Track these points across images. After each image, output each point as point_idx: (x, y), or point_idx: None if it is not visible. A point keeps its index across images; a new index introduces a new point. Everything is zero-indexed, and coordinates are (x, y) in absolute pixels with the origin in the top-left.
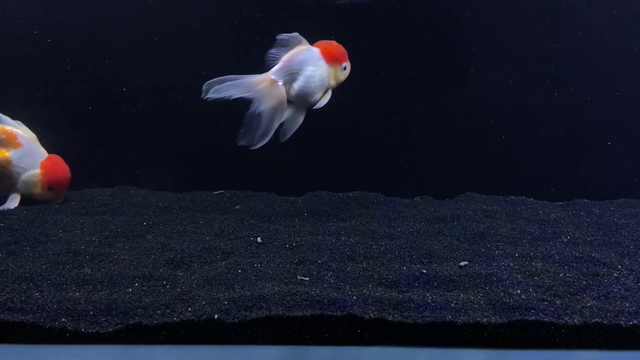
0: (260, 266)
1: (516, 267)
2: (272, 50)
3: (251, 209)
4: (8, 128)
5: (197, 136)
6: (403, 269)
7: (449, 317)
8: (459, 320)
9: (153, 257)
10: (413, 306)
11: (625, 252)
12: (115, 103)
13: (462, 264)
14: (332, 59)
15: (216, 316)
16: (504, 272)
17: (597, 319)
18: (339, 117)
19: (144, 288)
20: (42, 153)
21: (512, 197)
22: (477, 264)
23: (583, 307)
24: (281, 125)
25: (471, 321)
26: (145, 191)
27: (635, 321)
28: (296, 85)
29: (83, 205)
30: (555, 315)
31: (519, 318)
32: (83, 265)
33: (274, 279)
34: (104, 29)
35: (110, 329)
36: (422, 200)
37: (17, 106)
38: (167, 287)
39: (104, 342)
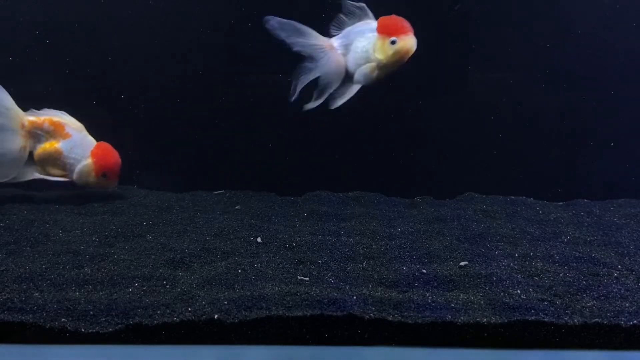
0: (260, 266)
1: (516, 267)
2: (337, 19)
3: (251, 209)
4: (55, 119)
5: (197, 136)
6: (403, 269)
7: (449, 317)
8: (459, 320)
9: (153, 257)
10: (413, 306)
11: (625, 252)
12: (116, 103)
13: (462, 264)
14: (382, 30)
15: (216, 316)
16: (504, 272)
17: (597, 319)
18: (339, 117)
19: (144, 288)
20: (91, 141)
21: (512, 197)
22: (477, 264)
23: (583, 307)
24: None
25: (471, 321)
26: (145, 191)
27: (635, 321)
28: (348, 57)
29: (83, 205)
30: (555, 315)
31: (519, 318)
32: (83, 265)
33: (274, 279)
34: (104, 28)
35: (110, 329)
36: (422, 200)
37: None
38: (167, 287)
39: (104, 342)
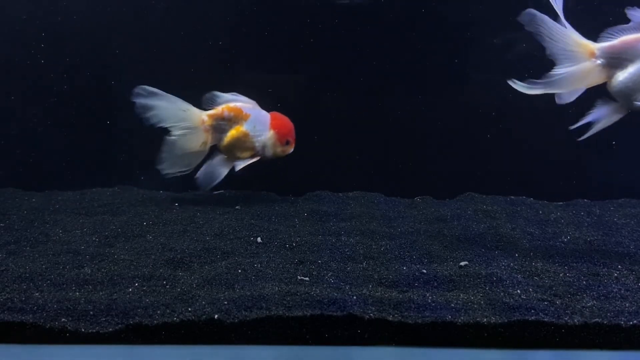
0: (260, 266)
1: (516, 267)
2: (615, 27)
3: (251, 209)
4: (231, 105)
5: None
6: (403, 269)
7: (449, 317)
8: (459, 320)
9: (153, 257)
10: (413, 306)
11: (625, 252)
12: (116, 103)
13: (462, 264)
14: None
15: (216, 316)
16: (504, 272)
17: (597, 319)
18: (339, 117)
19: (144, 288)
20: (265, 114)
21: (512, 197)
22: (477, 264)
23: (583, 307)
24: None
25: (471, 321)
26: (145, 191)
27: (635, 321)
28: (622, 76)
29: (83, 205)
30: (555, 315)
31: (519, 318)
32: (83, 265)
33: (274, 279)
34: (105, 28)
35: (110, 329)
36: (422, 200)
37: (17, 106)
38: (167, 287)
39: (104, 342)
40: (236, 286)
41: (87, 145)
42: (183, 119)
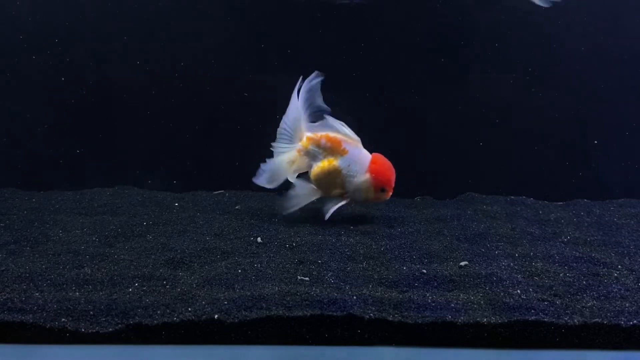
0: (260, 266)
1: (516, 267)
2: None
3: (251, 209)
4: (332, 135)
5: (197, 136)
6: (403, 269)
7: (449, 317)
8: (459, 320)
9: (153, 257)
10: (413, 306)
11: (625, 252)
12: (116, 103)
13: (462, 264)
14: None
15: (216, 316)
16: (504, 272)
17: (597, 319)
18: (338, 118)
19: (144, 288)
20: (366, 155)
21: (512, 197)
22: (477, 264)
23: (583, 307)
24: None
25: (471, 321)
26: (145, 191)
27: (635, 321)
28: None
29: (83, 205)
30: (555, 315)
31: (519, 318)
32: (83, 265)
33: (274, 279)
34: (105, 28)
35: (110, 329)
36: (422, 200)
37: (16, 106)
38: (167, 287)
39: (104, 342)
40: (236, 286)
41: (87, 145)
42: (291, 130)
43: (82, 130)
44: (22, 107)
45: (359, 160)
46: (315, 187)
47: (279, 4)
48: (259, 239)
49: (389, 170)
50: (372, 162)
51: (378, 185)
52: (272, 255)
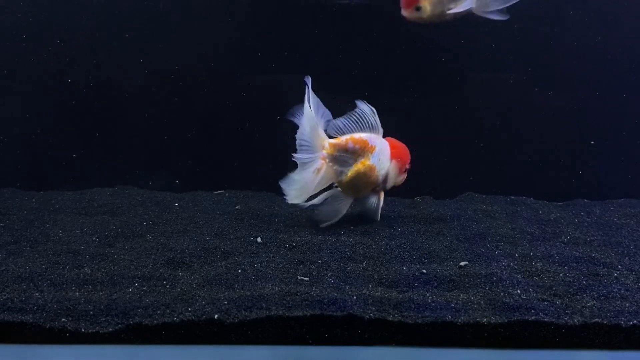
0: (260, 266)
1: (516, 267)
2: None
3: (251, 209)
4: (356, 136)
5: (197, 136)
6: (403, 269)
7: (449, 317)
8: (459, 320)
9: (153, 257)
10: (413, 306)
11: (625, 252)
12: (116, 103)
13: (462, 264)
14: None
15: (216, 316)
16: (504, 272)
17: (597, 319)
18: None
19: (144, 288)
20: (386, 143)
21: (512, 197)
22: (477, 264)
23: (583, 307)
24: None
25: (471, 321)
26: (145, 191)
27: (635, 321)
28: None
29: (83, 205)
30: (555, 315)
31: (519, 318)
32: (83, 265)
33: (274, 279)
34: (105, 28)
35: (110, 329)
36: (422, 200)
37: (17, 105)
38: (167, 287)
39: (104, 342)
40: (236, 286)
41: (87, 145)
42: (309, 140)
43: (82, 130)
44: (22, 107)
45: (384, 150)
46: (344, 193)
47: (279, 4)
48: (259, 239)
49: (405, 150)
50: (392, 147)
51: (402, 168)
52: (272, 255)
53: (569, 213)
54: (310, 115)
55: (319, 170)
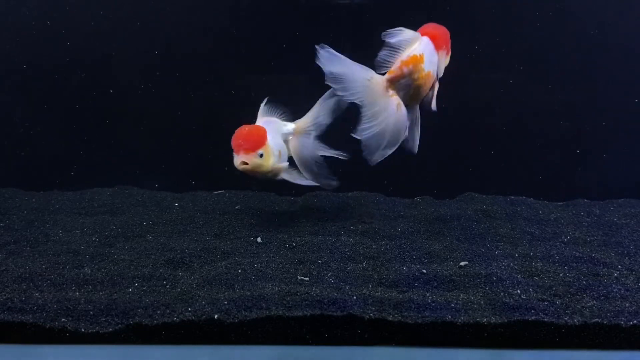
0: (260, 266)
1: (516, 267)
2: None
3: (251, 209)
4: (404, 57)
5: (196, 136)
6: (403, 269)
7: (449, 317)
8: (459, 320)
9: (153, 257)
10: (413, 306)
11: (625, 252)
12: (116, 103)
13: (462, 264)
14: None
15: (216, 316)
16: (504, 272)
17: (597, 319)
18: (338, 117)
19: (144, 288)
20: (425, 40)
21: (512, 197)
22: (477, 264)
23: (583, 307)
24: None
25: (471, 321)
26: (145, 191)
27: (635, 321)
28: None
29: (83, 205)
30: (555, 315)
31: (519, 318)
32: (83, 265)
33: (274, 279)
34: (104, 28)
35: (110, 329)
36: (422, 200)
37: (16, 106)
38: (167, 287)
39: (104, 342)
40: (236, 286)
41: (86, 145)
42: (369, 93)
43: (82, 131)
44: (22, 107)
45: (430, 49)
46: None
47: (279, 4)
48: (259, 239)
49: (444, 33)
50: (432, 39)
51: (448, 52)
52: (272, 255)
53: (569, 213)
54: (343, 59)
55: (399, 105)
